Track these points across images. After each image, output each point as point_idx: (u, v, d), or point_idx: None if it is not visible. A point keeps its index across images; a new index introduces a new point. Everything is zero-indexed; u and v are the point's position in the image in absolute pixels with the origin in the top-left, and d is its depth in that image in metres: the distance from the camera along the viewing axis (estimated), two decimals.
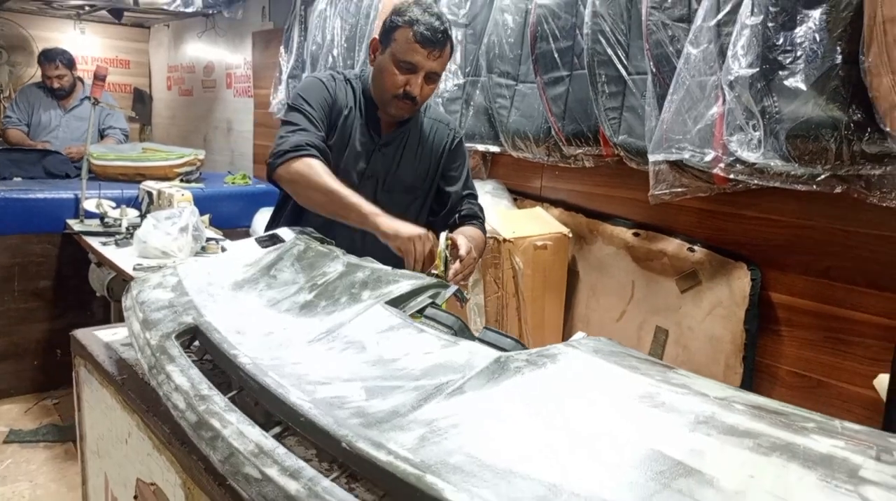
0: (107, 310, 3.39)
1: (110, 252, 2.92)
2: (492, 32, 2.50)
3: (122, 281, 2.96)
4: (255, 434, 0.85)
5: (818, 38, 1.53)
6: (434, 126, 1.90)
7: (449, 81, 2.60)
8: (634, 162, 2.07)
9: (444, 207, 1.91)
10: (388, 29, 1.73)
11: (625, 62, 2.04)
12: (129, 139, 5.46)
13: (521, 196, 2.69)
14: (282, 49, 4.12)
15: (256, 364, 0.99)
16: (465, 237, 1.63)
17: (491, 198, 2.58)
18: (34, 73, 5.55)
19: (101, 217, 3.30)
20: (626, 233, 2.28)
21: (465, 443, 0.77)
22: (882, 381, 1.37)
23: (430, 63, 1.68)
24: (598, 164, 2.30)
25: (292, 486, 0.76)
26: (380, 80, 1.74)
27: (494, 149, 2.62)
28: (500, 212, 2.40)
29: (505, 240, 2.23)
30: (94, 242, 3.09)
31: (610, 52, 2.04)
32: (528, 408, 0.82)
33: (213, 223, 3.36)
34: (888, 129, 1.46)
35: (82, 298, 3.57)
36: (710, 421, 0.77)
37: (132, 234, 3.02)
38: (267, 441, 0.84)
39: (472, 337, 1.08)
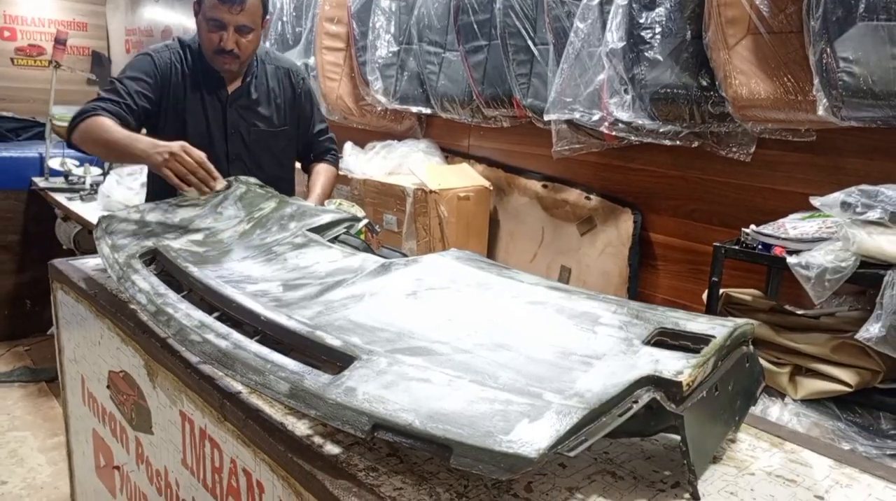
0: None
1: (76, 206, 3.16)
2: (421, 4, 2.77)
3: (87, 233, 3.21)
4: (199, 314, 1.16)
5: (672, 18, 1.86)
6: (277, 72, 2.05)
7: (384, 49, 2.87)
8: (541, 122, 2.39)
9: (302, 146, 2.15)
10: None
11: (532, 34, 2.34)
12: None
13: (452, 153, 3.00)
14: None
15: (202, 271, 1.29)
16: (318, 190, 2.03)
17: (424, 156, 2.89)
18: None
19: (66, 174, 3.52)
20: (536, 186, 2.61)
21: (348, 314, 1.09)
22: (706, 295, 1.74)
23: (234, 17, 1.80)
24: (514, 125, 2.61)
25: (223, 344, 1.07)
26: (201, 40, 1.89)
27: (426, 111, 2.91)
28: (428, 167, 2.70)
29: (431, 192, 2.54)
30: (60, 198, 3.32)
31: (519, 24, 2.34)
32: (395, 291, 1.15)
33: None
34: (724, 94, 1.80)
35: (48, 252, 3.74)
36: (519, 296, 1.10)
37: (96, 190, 3.26)
38: (207, 318, 1.15)
39: (372, 254, 1.40)
